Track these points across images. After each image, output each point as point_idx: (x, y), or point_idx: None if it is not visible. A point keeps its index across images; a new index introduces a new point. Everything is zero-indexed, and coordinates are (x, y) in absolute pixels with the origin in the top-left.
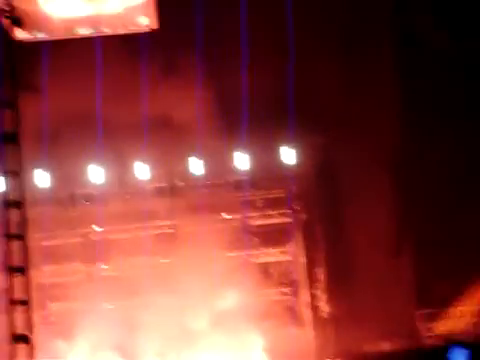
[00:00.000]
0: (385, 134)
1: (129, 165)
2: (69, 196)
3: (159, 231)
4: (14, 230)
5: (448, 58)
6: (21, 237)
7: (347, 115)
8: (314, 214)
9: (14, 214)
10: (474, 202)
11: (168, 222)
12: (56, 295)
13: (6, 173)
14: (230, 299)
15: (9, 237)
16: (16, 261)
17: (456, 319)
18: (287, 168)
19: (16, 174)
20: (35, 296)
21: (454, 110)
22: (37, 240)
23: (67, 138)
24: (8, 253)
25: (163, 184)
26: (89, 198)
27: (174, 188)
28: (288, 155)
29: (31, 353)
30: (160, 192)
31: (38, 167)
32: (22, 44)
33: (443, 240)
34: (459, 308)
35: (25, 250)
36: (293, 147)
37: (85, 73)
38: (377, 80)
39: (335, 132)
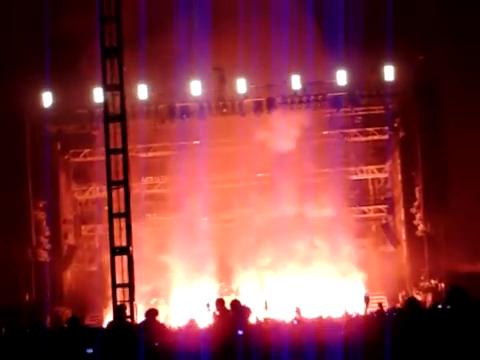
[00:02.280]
0: None
1: (228, 79)
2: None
3: (255, 146)
4: (115, 144)
5: None
6: (122, 150)
7: (451, 35)
8: (413, 132)
9: (115, 128)
10: None
11: (264, 137)
12: (153, 206)
13: (108, 87)
14: (327, 214)
15: (110, 151)
16: (115, 174)
17: None
18: (387, 85)
19: (117, 88)
20: (133, 208)
21: None
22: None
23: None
24: (109, 165)
25: (261, 99)
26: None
27: (272, 103)
28: (388, 72)
29: (130, 265)
30: (258, 107)
31: (138, 81)
32: None
33: None
34: None
35: (126, 163)
36: (394, 64)
37: None
38: None
39: (437, 51)
